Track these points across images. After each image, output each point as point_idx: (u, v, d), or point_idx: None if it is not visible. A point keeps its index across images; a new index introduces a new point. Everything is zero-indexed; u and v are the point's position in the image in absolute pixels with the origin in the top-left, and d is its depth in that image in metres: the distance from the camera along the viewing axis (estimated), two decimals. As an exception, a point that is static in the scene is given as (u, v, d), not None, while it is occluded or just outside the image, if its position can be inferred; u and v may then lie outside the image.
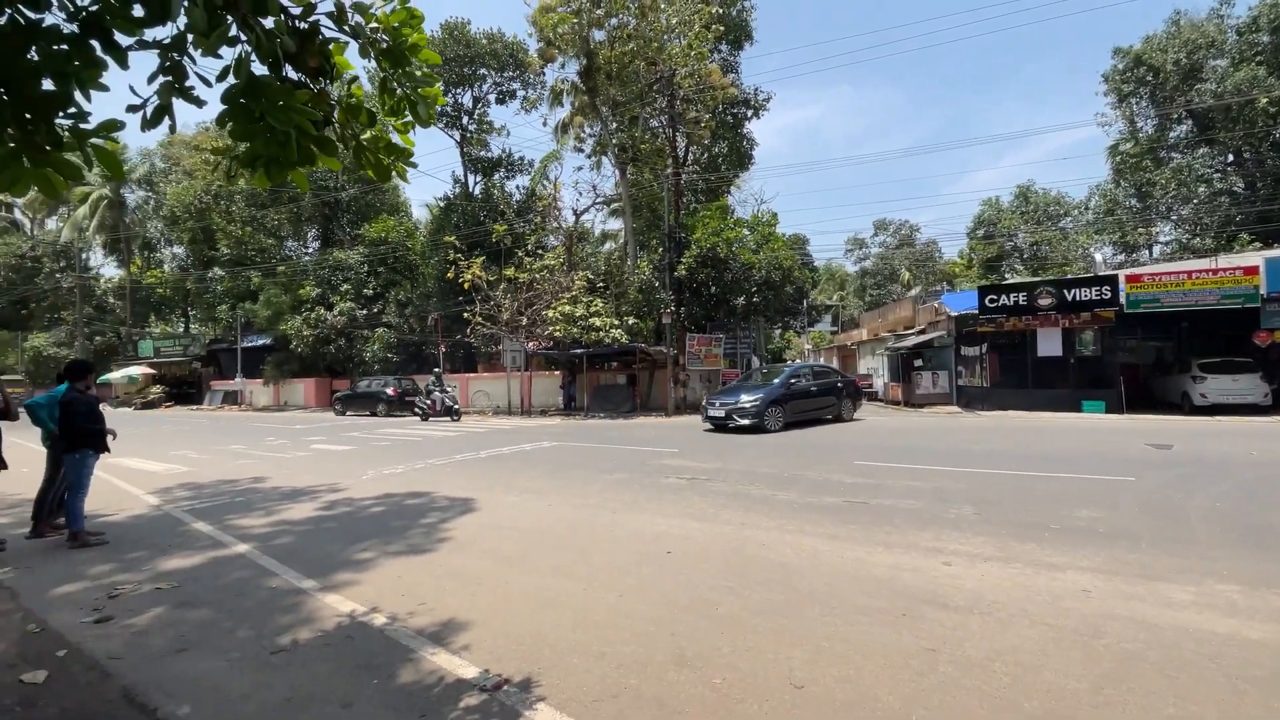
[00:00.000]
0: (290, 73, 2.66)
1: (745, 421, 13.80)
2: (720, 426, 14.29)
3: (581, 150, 31.32)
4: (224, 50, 2.38)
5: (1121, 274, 18.88)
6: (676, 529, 5.54)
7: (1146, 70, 32.63)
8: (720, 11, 26.28)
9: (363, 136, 2.81)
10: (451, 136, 33.00)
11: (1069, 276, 26.59)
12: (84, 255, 43.92)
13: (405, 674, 3.03)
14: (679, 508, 6.39)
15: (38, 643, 3.59)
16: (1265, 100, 27.24)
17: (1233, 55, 30.05)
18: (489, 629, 3.53)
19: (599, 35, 24.65)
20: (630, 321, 22.92)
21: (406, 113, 2.90)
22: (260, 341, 34.96)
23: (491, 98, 32.77)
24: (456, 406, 20.54)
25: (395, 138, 2.95)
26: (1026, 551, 4.69)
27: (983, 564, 4.43)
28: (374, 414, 23.44)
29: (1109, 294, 17.72)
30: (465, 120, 32.72)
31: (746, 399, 14.12)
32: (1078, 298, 18.15)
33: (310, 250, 38.06)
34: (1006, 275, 40.97)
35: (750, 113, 31.00)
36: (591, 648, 3.24)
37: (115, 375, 36.96)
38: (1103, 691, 2.66)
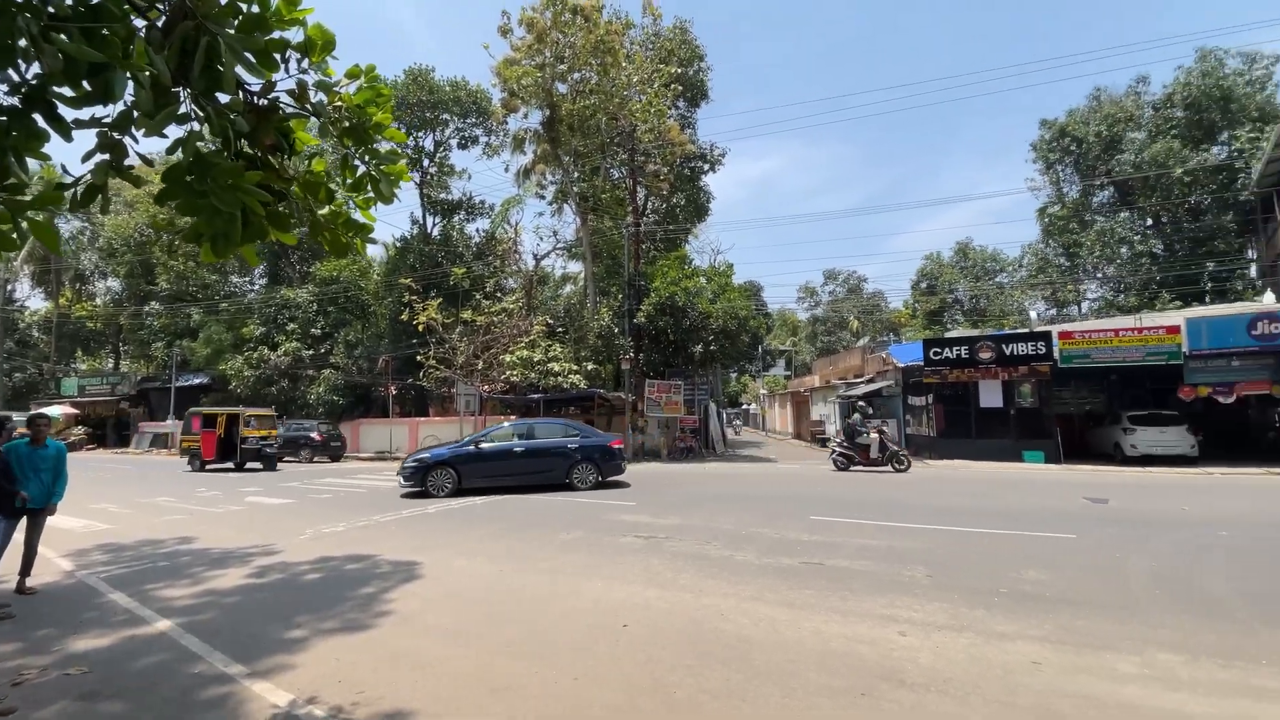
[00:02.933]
0: (246, 146, 2.61)
1: (405, 484, 12.12)
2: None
3: (543, 197, 31.76)
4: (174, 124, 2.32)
5: (1055, 330, 20.01)
6: (635, 597, 5.40)
7: (1070, 140, 35.54)
8: (678, 71, 27.44)
9: (321, 213, 2.75)
10: (411, 178, 32.94)
11: (1007, 331, 28.03)
12: (9, 286, 41.33)
13: (339, 782, 2.79)
14: (637, 572, 6.24)
15: (-88, 751, 3.18)
16: (1180, 171, 29.90)
17: (1149, 129, 32.98)
18: (434, 723, 3.31)
19: (561, 88, 25.31)
20: (589, 367, 22.87)
21: (369, 189, 2.87)
22: (196, 381, 33.29)
23: (453, 142, 33.02)
24: (903, 451, 15.94)
25: (356, 214, 2.90)
26: (978, 619, 4.75)
27: (937, 634, 4.45)
28: (293, 460, 23.09)
29: (1044, 349, 18.73)
30: (426, 163, 32.77)
31: (414, 459, 12.43)
32: (1015, 352, 19.11)
33: (256, 287, 36.87)
34: (949, 326, 42.93)
35: (707, 167, 32.16)
36: (544, 744, 3.06)
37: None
38: (1059, 782, 2.66)
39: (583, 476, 12.78)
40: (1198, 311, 20.92)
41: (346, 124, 2.60)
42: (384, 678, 3.90)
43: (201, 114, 2.30)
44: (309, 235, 2.82)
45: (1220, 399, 17.21)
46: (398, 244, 33.40)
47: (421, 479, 12.02)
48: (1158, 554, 6.70)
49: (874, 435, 15.76)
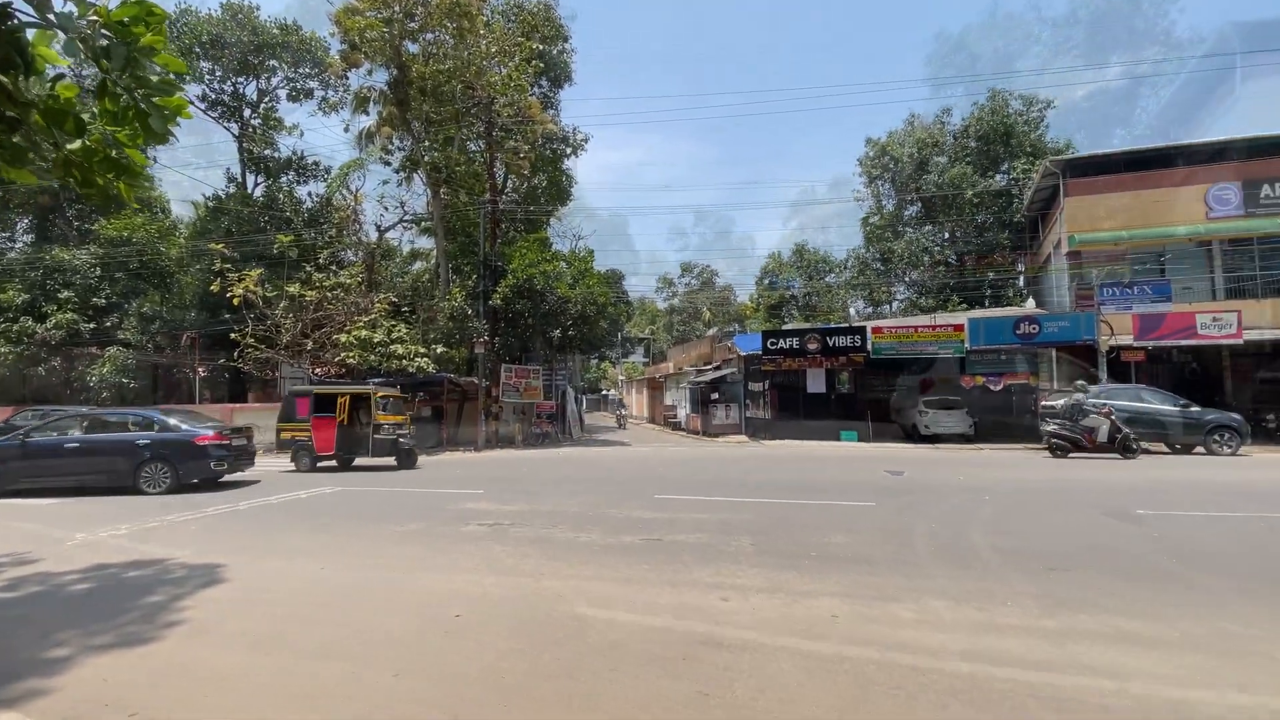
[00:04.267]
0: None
1: None
2: None
3: (389, 163, 29.34)
4: None
5: (869, 325, 22.63)
6: (471, 586, 5.24)
7: (889, 159, 40.16)
8: (541, 49, 26.75)
9: (69, 147, 2.27)
10: (229, 129, 28.81)
11: (831, 325, 31.16)
12: None
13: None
14: (477, 560, 6.07)
15: None
16: (971, 193, 35.08)
17: (950, 155, 38.23)
18: (225, 738, 2.95)
19: (412, 48, 23.54)
20: (439, 350, 21.71)
21: (136, 123, 2.42)
22: (-73, 357, 26.58)
23: (282, 93, 29.44)
24: (1133, 436, 13.21)
25: (121, 153, 2.44)
26: (789, 581, 5.24)
27: (754, 597, 4.84)
28: None
29: (860, 341, 21.14)
30: (248, 113, 28.86)
31: None
32: (837, 344, 21.36)
33: (18, 245, 30.20)
34: (786, 320, 46.79)
35: (569, 150, 31.79)
36: (356, 745, 2.86)
37: None
38: (845, 718, 3.03)
39: (153, 479, 11.03)
40: (978, 313, 24.82)
41: (104, 43, 2.16)
42: (167, 695, 3.41)
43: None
44: (55, 174, 2.32)
45: (991, 387, 20.64)
46: (210, 204, 29.09)
47: None
48: (936, 517, 7.87)
49: (1102, 418, 13.36)
